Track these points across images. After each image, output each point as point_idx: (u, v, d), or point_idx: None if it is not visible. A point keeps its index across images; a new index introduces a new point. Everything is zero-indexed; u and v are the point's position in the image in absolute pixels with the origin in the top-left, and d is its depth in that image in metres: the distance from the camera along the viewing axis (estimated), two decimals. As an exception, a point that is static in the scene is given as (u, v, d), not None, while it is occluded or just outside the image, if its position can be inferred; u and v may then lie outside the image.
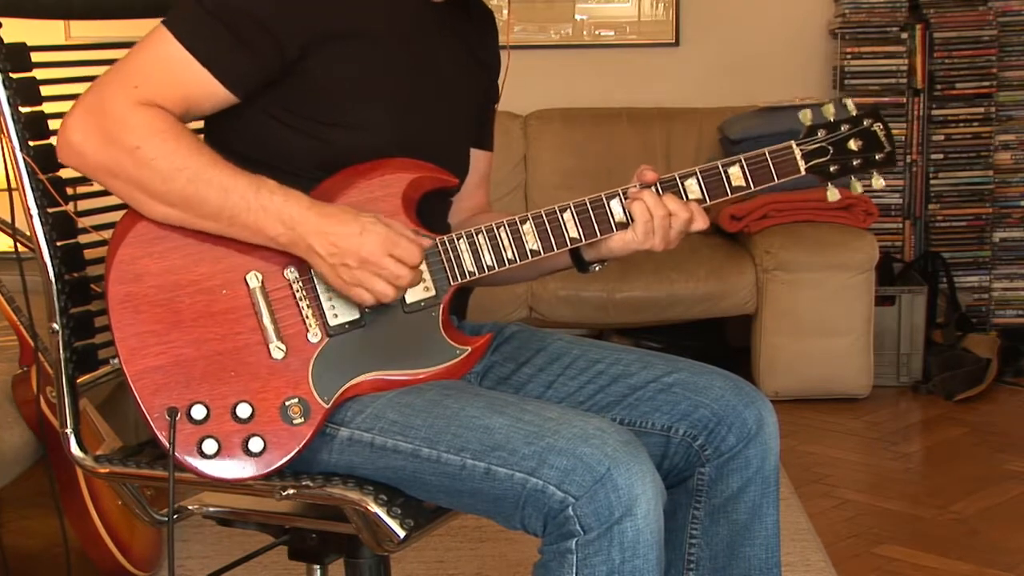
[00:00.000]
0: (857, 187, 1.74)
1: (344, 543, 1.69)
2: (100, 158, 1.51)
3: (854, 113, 1.72)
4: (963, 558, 2.77)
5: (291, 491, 1.56)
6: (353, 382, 1.59)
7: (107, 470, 1.71)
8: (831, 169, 1.71)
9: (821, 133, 1.70)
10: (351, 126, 1.61)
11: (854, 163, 1.71)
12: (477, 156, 1.85)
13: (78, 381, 1.70)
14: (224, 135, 1.64)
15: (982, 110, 4.45)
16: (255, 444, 1.54)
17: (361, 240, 1.51)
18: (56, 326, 1.67)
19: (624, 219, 1.65)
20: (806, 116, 1.70)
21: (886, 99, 4.45)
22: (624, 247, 1.67)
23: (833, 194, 1.72)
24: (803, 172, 1.70)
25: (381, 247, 1.51)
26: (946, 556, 2.78)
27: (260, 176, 1.52)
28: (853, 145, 1.71)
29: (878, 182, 1.72)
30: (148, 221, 1.54)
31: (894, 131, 4.32)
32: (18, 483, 2.37)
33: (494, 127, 1.90)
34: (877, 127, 1.72)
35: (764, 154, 1.68)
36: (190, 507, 1.74)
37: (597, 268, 1.75)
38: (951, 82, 4.45)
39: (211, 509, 1.74)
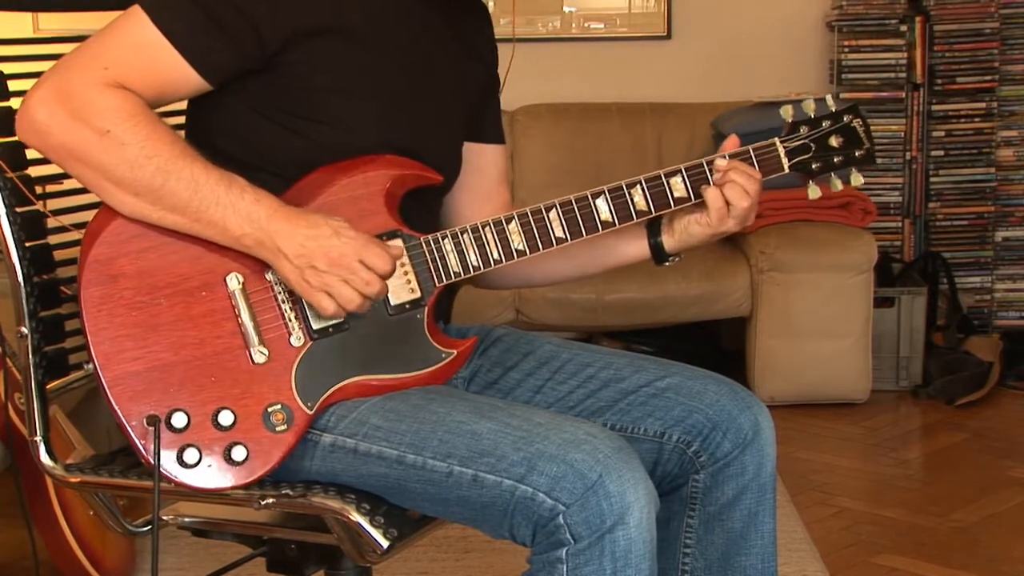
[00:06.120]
0: (837, 184, 1.76)
1: (325, 554, 1.69)
2: (65, 139, 1.50)
3: (834, 109, 1.74)
4: (965, 567, 2.78)
5: (270, 500, 1.56)
6: (337, 387, 1.59)
7: (78, 479, 1.70)
8: (813, 166, 1.73)
9: (803, 129, 1.73)
10: (335, 124, 1.61)
11: (835, 160, 1.74)
12: (487, 152, 1.85)
13: (48, 387, 1.70)
14: (205, 129, 1.64)
15: (984, 105, 4.47)
16: (238, 453, 1.54)
17: (333, 242, 1.50)
18: (25, 330, 1.67)
19: (610, 218, 1.66)
20: (787, 112, 1.73)
21: (885, 94, 4.47)
22: (702, 232, 1.70)
23: (814, 191, 1.75)
24: (787, 170, 1.72)
25: (353, 251, 1.51)
26: (947, 566, 2.79)
27: (232, 174, 1.52)
28: (834, 142, 1.74)
29: (857, 179, 1.75)
30: (123, 219, 1.54)
31: (893, 127, 4.42)
32: (-15, 493, 2.37)
33: (500, 117, 1.89)
34: (856, 123, 1.74)
35: (748, 151, 1.70)
36: (165, 517, 1.73)
37: (677, 260, 1.77)
38: (952, 76, 4.46)
39: (187, 519, 1.74)
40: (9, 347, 2.30)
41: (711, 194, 1.67)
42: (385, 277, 1.53)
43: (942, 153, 4.51)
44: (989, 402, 4.05)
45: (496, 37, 1.86)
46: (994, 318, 4.55)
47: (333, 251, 1.50)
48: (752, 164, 1.70)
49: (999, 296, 4.55)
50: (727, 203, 1.67)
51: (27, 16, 3.62)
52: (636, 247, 1.78)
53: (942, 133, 4.50)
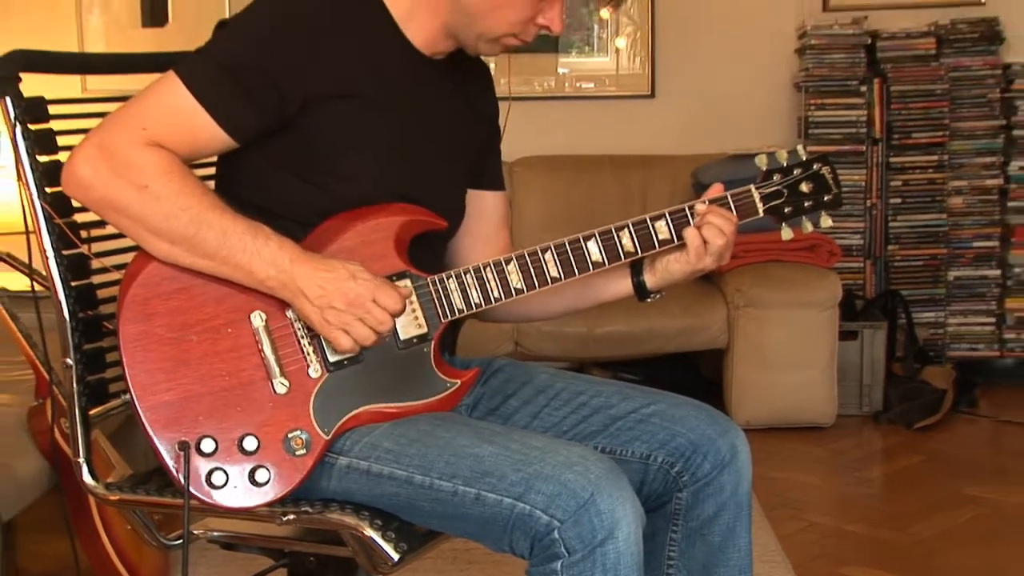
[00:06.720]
0: (808, 226, 1.76)
1: (341, 566, 1.69)
2: (106, 193, 1.50)
3: (805, 158, 1.74)
4: (923, 577, 2.77)
5: (291, 516, 1.56)
6: (351, 414, 1.58)
7: (117, 497, 1.70)
8: (786, 210, 1.73)
9: (776, 177, 1.72)
10: (348, 177, 1.61)
11: (806, 204, 1.73)
12: (488, 198, 1.84)
13: (90, 413, 1.70)
14: (233, 182, 1.65)
15: (936, 158, 4.48)
16: (261, 475, 1.53)
17: (350, 285, 1.51)
18: (70, 361, 1.67)
19: (600, 259, 1.66)
20: (762, 161, 1.72)
21: (847, 147, 4.48)
22: (681, 269, 1.70)
23: (787, 233, 1.74)
24: (761, 214, 1.72)
25: (368, 292, 1.51)
26: (907, 576, 2.78)
27: (257, 223, 1.53)
28: (805, 188, 1.73)
29: (826, 222, 1.75)
30: (158, 263, 1.54)
31: (855, 177, 4.44)
32: (33, 509, 2.36)
33: (501, 167, 1.89)
34: (825, 171, 1.74)
35: (726, 197, 1.70)
36: (196, 532, 1.73)
37: (658, 297, 1.76)
38: (907, 132, 4.48)
39: (215, 533, 1.73)
40: (56, 376, 2.30)
41: (690, 234, 1.67)
42: (396, 316, 1.54)
43: (899, 201, 4.52)
44: (943, 426, 4.04)
45: (501, 96, 1.86)
46: (947, 350, 4.54)
47: (351, 293, 1.51)
48: (730, 209, 1.69)
49: (951, 330, 4.55)
50: (704, 242, 1.67)
51: (76, 78, 3.63)
52: (621, 285, 1.77)
53: (899, 183, 4.51)
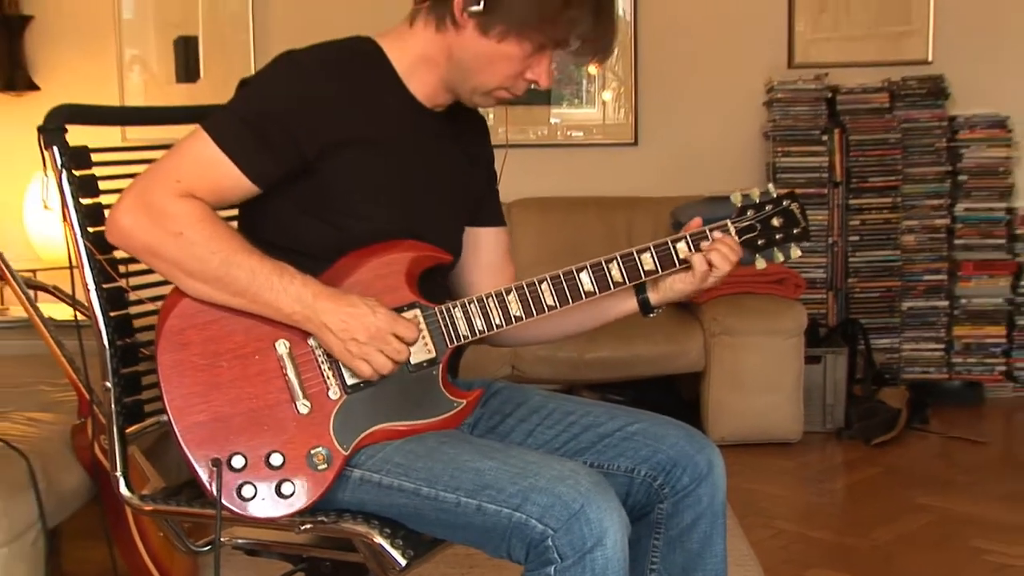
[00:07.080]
0: (779, 256, 1.75)
1: (354, 570, 1.67)
2: (146, 240, 1.51)
3: (775, 195, 1.74)
4: (882, 580, 2.75)
5: (308, 526, 1.55)
6: (368, 432, 1.58)
7: (151, 508, 1.69)
8: (759, 243, 1.73)
9: (750, 212, 1.72)
10: (360, 217, 1.61)
11: (777, 237, 1.73)
12: (488, 234, 1.83)
13: (127, 431, 1.69)
14: (254, 223, 1.65)
15: (890, 200, 4.49)
16: (287, 488, 1.53)
17: (371, 319, 1.51)
18: (109, 384, 1.67)
19: (592, 288, 1.66)
20: (737, 198, 1.73)
21: (811, 190, 4.49)
22: (683, 289, 1.71)
23: (760, 263, 1.74)
24: None
25: (388, 325, 1.52)
26: (867, 578, 2.76)
27: (282, 263, 1.53)
28: (776, 222, 1.73)
29: (796, 253, 1.74)
30: (191, 298, 1.54)
31: (818, 217, 4.45)
32: (75, 518, 2.34)
33: (499, 205, 1.88)
34: (794, 206, 1.75)
35: (705, 232, 1.70)
36: (223, 539, 1.71)
37: (660, 312, 1.76)
38: (864, 176, 4.49)
39: (239, 541, 1.72)
40: (96, 397, 2.29)
41: (696, 259, 1.67)
42: (412, 345, 1.54)
43: (858, 238, 4.52)
44: (899, 442, 4.02)
45: (494, 143, 1.86)
46: (901, 373, 4.53)
47: (372, 327, 1.51)
48: (708, 241, 1.69)
49: (905, 354, 4.54)
50: (710, 265, 1.67)
51: (116, 129, 3.63)
52: (627, 304, 1.77)
53: (857, 222, 4.52)
